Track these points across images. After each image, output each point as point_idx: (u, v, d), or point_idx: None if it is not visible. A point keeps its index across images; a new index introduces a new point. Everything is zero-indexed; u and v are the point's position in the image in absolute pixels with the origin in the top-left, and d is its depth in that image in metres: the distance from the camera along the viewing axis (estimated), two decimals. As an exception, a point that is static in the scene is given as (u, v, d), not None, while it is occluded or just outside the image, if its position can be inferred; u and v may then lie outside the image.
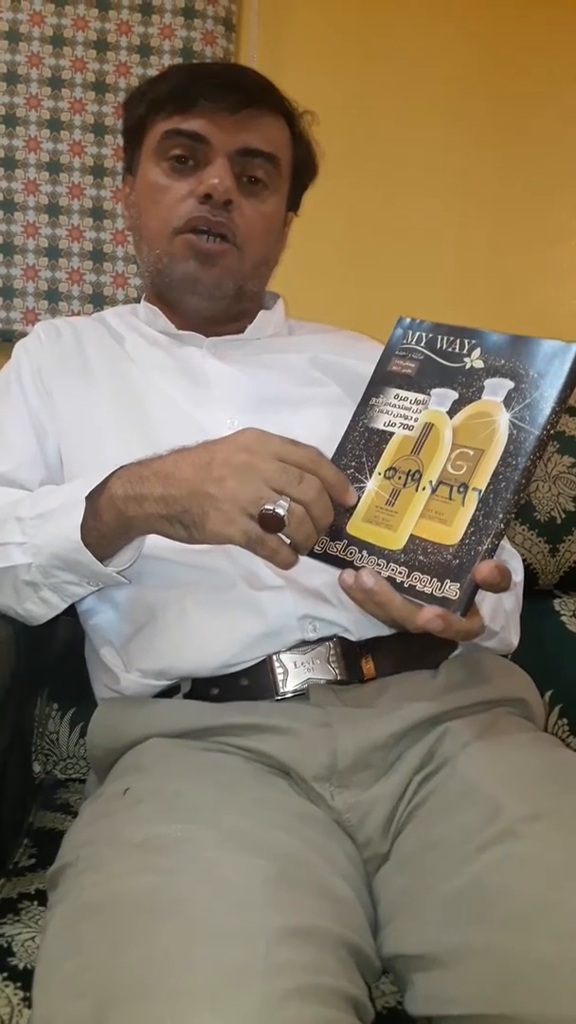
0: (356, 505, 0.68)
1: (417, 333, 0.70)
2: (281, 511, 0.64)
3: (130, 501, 0.71)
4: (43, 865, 0.83)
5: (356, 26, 1.45)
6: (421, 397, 0.68)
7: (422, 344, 0.70)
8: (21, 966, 0.69)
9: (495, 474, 0.63)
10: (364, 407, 0.71)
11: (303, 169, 1.01)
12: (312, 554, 0.68)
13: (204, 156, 0.91)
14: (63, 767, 1.08)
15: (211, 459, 0.67)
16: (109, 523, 0.73)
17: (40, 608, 0.80)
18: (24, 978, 0.68)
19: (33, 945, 0.71)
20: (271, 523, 0.64)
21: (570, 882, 0.59)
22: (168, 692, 0.82)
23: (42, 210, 1.36)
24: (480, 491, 0.63)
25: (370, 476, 0.68)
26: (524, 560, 1.18)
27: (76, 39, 1.35)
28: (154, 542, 0.83)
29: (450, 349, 0.68)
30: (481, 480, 0.63)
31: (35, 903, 0.77)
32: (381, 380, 0.71)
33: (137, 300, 1.17)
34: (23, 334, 1.04)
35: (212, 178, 0.89)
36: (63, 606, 0.81)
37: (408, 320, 0.72)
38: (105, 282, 1.38)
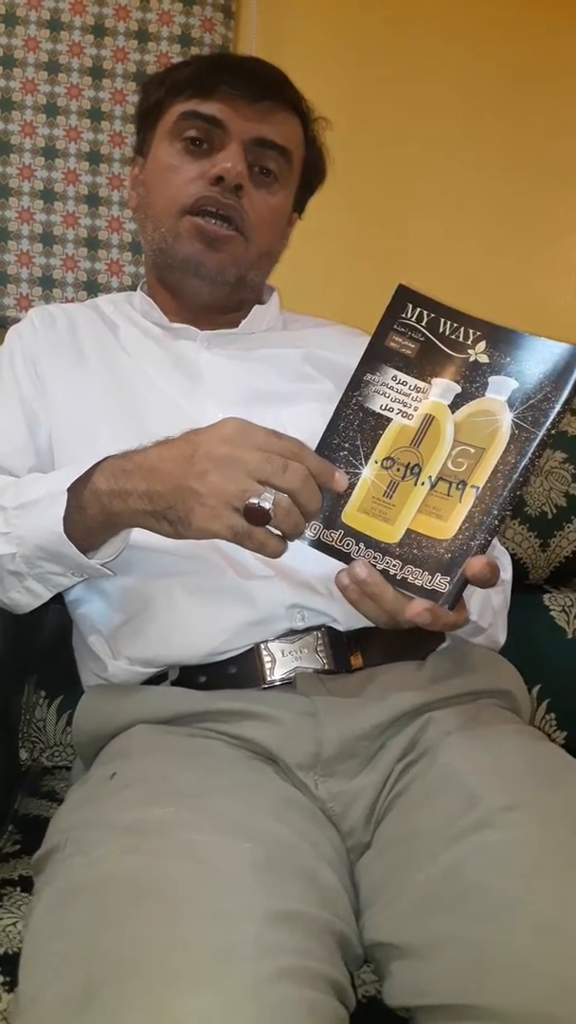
0: (351, 491, 0.67)
1: (418, 310, 0.68)
2: (267, 504, 0.63)
3: (114, 497, 0.70)
4: (27, 852, 0.83)
5: (355, 14, 1.45)
6: (421, 384, 0.67)
7: (423, 324, 0.68)
8: (3, 951, 0.69)
9: (494, 472, 0.63)
10: (358, 383, 0.68)
11: (312, 172, 1.01)
12: (307, 541, 0.68)
13: (219, 141, 0.90)
14: (50, 755, 1.08)
15: (194, 452, 0.66)
16: (94, 517, 0.72)
17: (25, 597, 0.80)
18: (6, 963, 0.68)
19: (15, 931, 0.71)
20: (257, 516, 0.63)
21: (544, 874, 0.59)
22: (156, 680, 0.82)
23: (37, 196, 1.35)
24: (478, 488, 0.63)
25: (365, 462, 0.67)
26: (515, 555, 1.18)
27: (73, 24, 1.34)
28: (143, 533, 0.83)
29: (453, 336, 0.67)
30: (480, 478, 0.63)
31: (18, 889, 0.77)
32: (378, 356, 0.68)
33: (132, 288, 1.16)
34: (16, 320, 1.04)
35: (225, 162, 0.88)
36: (48, 595, 0.80)
37: (409, 292, 0.69)
38: (100, 269, 1.37)
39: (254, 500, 0.63)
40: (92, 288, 1.37)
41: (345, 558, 0.66)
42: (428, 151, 1.48)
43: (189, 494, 0.65)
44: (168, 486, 0.67)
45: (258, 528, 0.64)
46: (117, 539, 0.76)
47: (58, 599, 0.86)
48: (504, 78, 1.48)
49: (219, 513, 0.64)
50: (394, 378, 0.68)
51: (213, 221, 0.89)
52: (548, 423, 0.62)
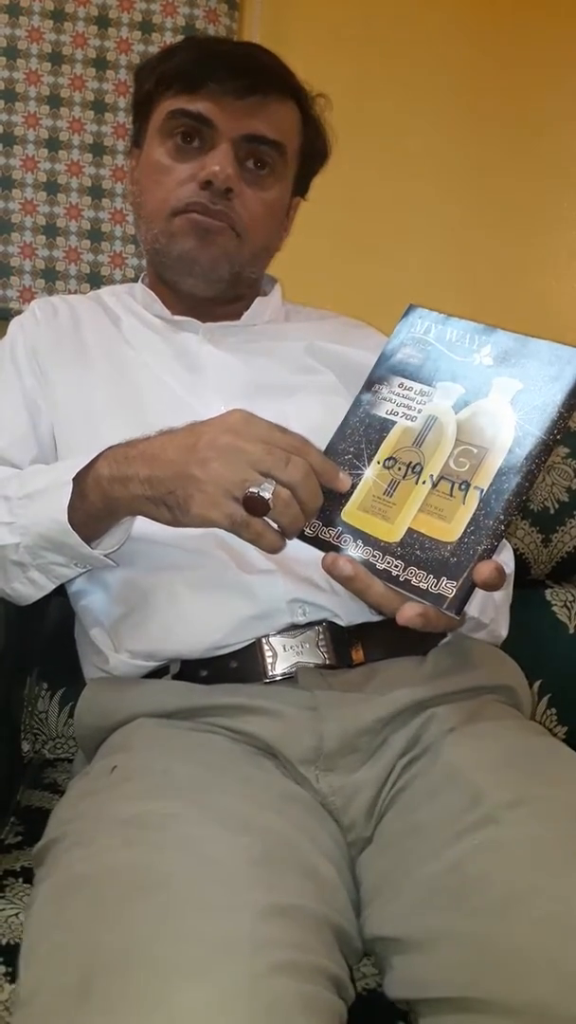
0: (352, 491, 0.67)
1: (427, 323, 0.69)
2: (266, 494, 0.63)
3: (115, 482, 0.71)
4: (29, 843, 0.84)
5: (360, 7, 1.44)
6: (426, 388, 0.67)
7: (431, 335, 0.69)
8: (4, 942, 0.70)
9: (498, 474, 0.62)
10: (367, 392, 0.70)
11: (313, 154, 0.99)
12: (304, 538, 0.68)
13: (209, 139, 0.89)
14: (52, 747, 1.08)
15: (196, 441, 0.66)
16: (95, 504, 0.72)
17: (28, 588, 0.80)
18: (7, 953, 0.68)
19: (17, 921, 0.71)
20: (256, 506, 0.63)
21: (547, 869, 0.59)
22: (157, 673, 0.82)
23: (40, 187, 1.35)
24: (482, 490, 0.62)
25: (368, 464, 0.67)
26: (517, 550, 1.18)
27: (77, 14, 1.33)
28: (145, 525, 0.82)
29: (459, 343, 0.67)
30: (484, 479, 0.62)
31: (20, 880, 0.78)
32: (386, 367, 0.70)
33: (135, 280, 1.16)
34: (19, 312, 1.03)
35: (214, 165, 0.87)
36: (51, 587, 0.80)
37: (418, 309, 0.71)
38: (103, 261, 1.37)
39: (254, 490, 0.63)
40: (95, 280, 1.37)
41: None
42: (431, 143, 1.47)
43: (189, 480, 0.65)
44: (169, 472, 0.67)
45: (256, 519, 0.64)
46: (119, 529, 0.76)
47: (60, 591, 0.86)
48: (506, 70, 1.47)
49: (218, 500, 0.64)
50: (400, 385, 0.69)
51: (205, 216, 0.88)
52: (552, 426, 0.62)
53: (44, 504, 0.75)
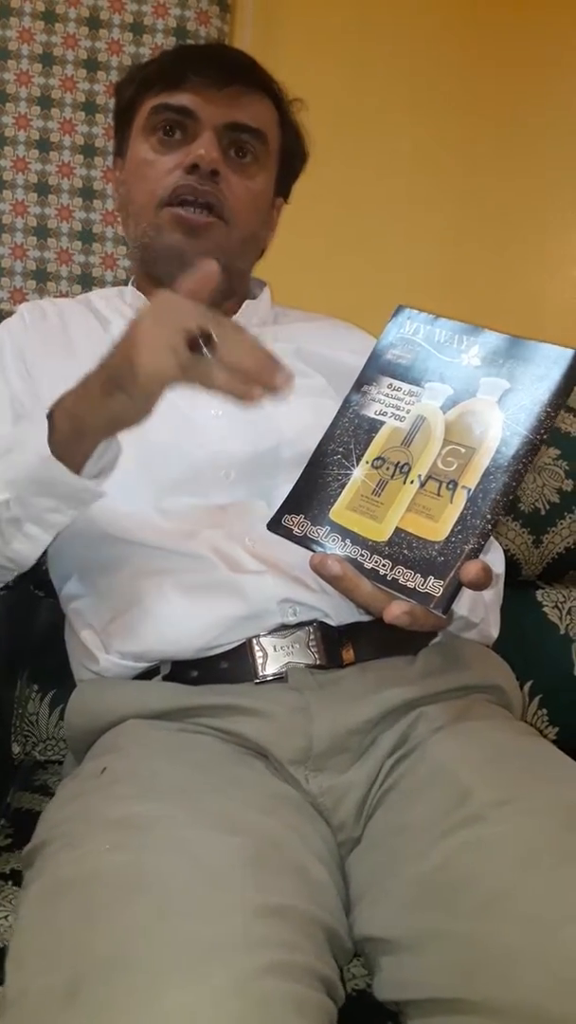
0: (340, 491, 0.67)
1: (415, 324, 0.70)
2: (209, 327, 0.61)
3: (78, 400, 0.70)
4: (19, 845, 0.83)
5: (352, 8, 1.45)
6: (415, 389, 0.68)
7: (419, 335, 0.69)
8: (-6, 944, 0.69)
9: (485, 473, 0.62)
10: (356, 393, 0.70)
11: (292, 155, 1.00)
12: (292, 537, 0.68)
13: (192, 130, 0.91)
14: (42, 749, 1.08)
15: (130, 329, 0.66)
16: (65, 433, 0.71)
17: (26, 546, 0.78)
18: (-3, 956, 0.68)
19: (6, 924, 0.71)
20: (199, 345, 0.61)
21: (534, 868, 0.59)
22: (147, 675, 0.82)
23: (31, 188, 1.35)
24: (469, 489, 0.63)
25: (357, 464, 0.68)
26: (508, 551, 1.19)
27: (68, 16, 1.34)
28: (138, 525, 0.83)
29: (448, 344, 0.68)
30: (471, 479, 0.63)
31: (9, 883, 0.77)
32: (376, 368, 0.70)
33: (126, 282, 1.16)
34: (11, 314, 1.03)
35: (199, 149, 0.89)
36: (47, 539, 0.78)
37: (407, 309, 0.71)
38: (94, 263, 1.37)
39: (193, 328, 0.61)
40: (86, 282, 1.37)
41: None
42: (425, 144, 1.48)
43: (130, 348, 0.64)
44: (115, 360, 0.66)
45: (204, 359, 0.61)
46: (102, 452, 0.73)
47: (51, 593, 0.86)
48: (499, 72, 1.48)
49: (160, 348, 0.62)
50: (389, 385, 0.69)
51: (192, 210, 0.89)
52: (539, 425, 0.62)
53: (24, 449, 0.73)
